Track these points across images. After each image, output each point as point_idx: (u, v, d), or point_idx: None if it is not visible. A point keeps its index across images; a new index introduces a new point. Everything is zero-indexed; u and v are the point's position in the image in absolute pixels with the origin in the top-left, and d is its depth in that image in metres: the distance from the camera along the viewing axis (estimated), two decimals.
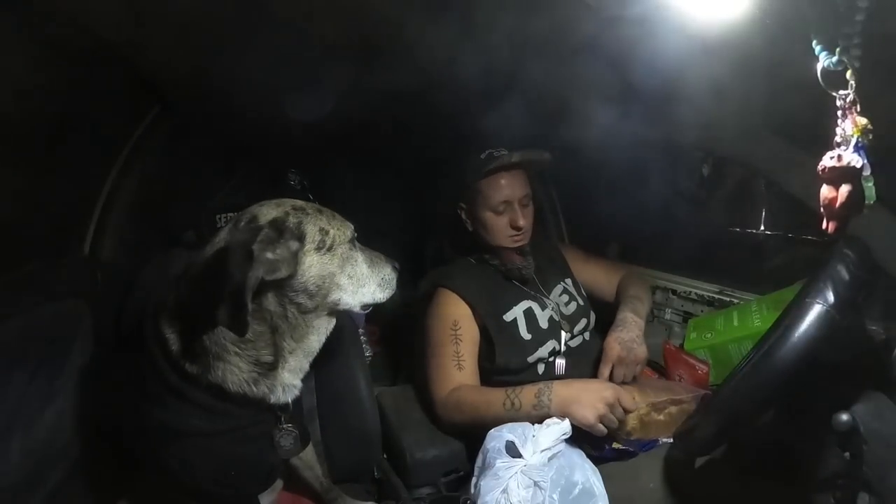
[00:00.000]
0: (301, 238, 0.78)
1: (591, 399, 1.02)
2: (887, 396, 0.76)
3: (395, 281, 0.94)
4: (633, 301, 1.31)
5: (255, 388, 0.79)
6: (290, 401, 0.85)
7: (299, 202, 0.83)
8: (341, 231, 0.83)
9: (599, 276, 1.47)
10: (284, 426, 0.87)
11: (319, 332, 0.86)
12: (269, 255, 0.72)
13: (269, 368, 0.80)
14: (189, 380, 0.76)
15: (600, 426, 1.01)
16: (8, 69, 0.83)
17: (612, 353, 1.15)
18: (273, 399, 0.81)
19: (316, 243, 0.79)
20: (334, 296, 0.83)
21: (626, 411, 1.02)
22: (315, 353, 0.87)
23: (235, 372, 0.77)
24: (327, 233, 0.81)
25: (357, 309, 0.89)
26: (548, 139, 1.37)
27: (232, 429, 0.80)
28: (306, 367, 0.86)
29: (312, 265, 0.79)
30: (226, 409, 0.78)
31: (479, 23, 0.96)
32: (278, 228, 0.75)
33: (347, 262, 0.84)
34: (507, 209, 1.27)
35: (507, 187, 1.26)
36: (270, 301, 0.77)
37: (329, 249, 0.81)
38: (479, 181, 1.26)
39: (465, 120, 1.36)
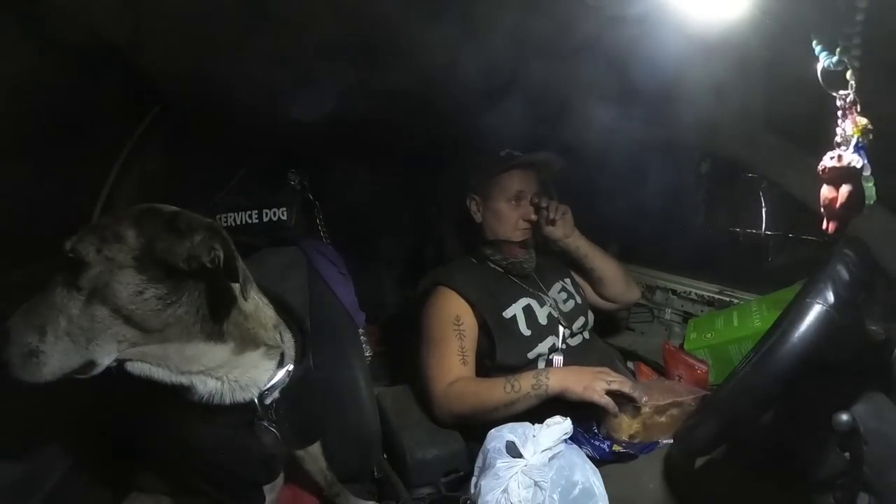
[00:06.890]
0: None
1: (590, 376, 1.08)
2: (887, 396, 0.76)
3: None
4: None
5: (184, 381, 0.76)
6: (241, 400, 0.81)
7: (124, 220, 0.70)
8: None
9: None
10: (261, 423, 0.84)
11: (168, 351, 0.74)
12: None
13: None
14: None
15: (608, 398, 1.04)
16: (8, 69, 0.83)
17: None
18: (228, 400, 0.79)
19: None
20: None
21: (625, 395, 1.04)
22: (194, 368, 0.77)
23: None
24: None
25: None
26: (548, 139, 1.38)
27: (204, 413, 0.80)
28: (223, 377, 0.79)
29: None
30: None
31: (479, 23, 0.96)
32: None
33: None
34: (520, 202, 1.35)
35: (524, 182, 1.36)
36: None
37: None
38: (501, 174, 1.35)
39: (465, 121, 1.37)
